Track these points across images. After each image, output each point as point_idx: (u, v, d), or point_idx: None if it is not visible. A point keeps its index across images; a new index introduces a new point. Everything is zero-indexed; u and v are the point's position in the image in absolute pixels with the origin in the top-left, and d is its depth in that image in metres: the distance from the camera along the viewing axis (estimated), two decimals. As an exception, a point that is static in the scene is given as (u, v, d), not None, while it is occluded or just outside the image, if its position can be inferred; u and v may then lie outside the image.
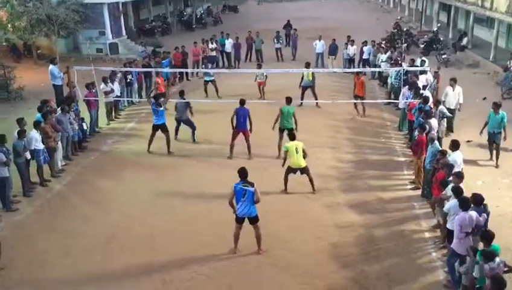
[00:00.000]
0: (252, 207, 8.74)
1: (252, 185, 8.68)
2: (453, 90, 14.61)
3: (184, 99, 14.40)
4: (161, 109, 13.60)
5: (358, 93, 16.58)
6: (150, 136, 13.82)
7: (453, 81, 14.77)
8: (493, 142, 12.75)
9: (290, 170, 11.33)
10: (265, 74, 18.01)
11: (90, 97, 15.12)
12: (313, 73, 17.41)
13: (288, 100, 13.33)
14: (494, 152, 12.79)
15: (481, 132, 12.83)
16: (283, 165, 11.45)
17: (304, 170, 11.29)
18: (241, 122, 13.06)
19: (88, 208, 10.86)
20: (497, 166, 12.48)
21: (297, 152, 11.09)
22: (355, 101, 16.44)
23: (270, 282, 8.41)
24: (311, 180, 11.40)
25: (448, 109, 13.76)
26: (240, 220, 8.89)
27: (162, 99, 13.85)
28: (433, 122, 12.04)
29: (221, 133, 14.73)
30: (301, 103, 16.58)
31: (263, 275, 8.58)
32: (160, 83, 17.31)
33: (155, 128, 13.73)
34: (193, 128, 14.56)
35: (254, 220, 8.89)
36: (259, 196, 8.71)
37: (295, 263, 8.80)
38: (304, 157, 11.21)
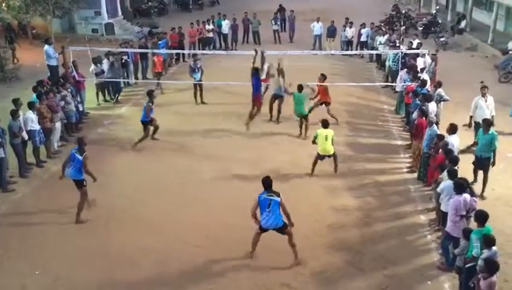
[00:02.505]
0: (278, 217, 8.08)
1: (278, 194, 8.09)
2: (486, 102, 12.25)
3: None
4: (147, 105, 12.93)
5: (321, 98, 14.63)
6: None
7: (486, 89, 12.36)
8: (479, 169, 10.58)
9: (319, 157, 11.52)
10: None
11: (79, 78, 15.05)
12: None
13: (300, 87, 13.47)
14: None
15: (469, 147, 11.61)
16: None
17: (332, 156, 11.52)
18: (256, 87, 13.19)
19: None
20: (482, 197, 10.21)
21: (326, 139, 11.30)
22: (354, 84, 16.28)
23: (265, 263, 8.47)
24: (335, 164, 11.65)
25: (477, 123, 11.89)
26: (263, 230, 8.28)
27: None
28: (431, 105, 12.02)
29: (216, 115, 14.74)
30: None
31: (258, 255, 8.63)
32: (157, 62, 17.14)
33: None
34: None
35: (282, 228, 8.23)
36: (286, 208, 8.11)
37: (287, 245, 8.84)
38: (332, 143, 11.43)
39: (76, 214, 9.67)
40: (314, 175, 11.46)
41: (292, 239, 8.37)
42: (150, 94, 13.26)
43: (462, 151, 10.93)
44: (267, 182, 8.19)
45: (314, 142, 11.54)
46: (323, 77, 14.55)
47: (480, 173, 10.60)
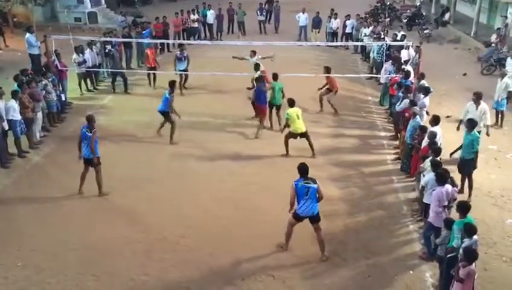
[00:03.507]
0: (315, 205, 8.06)
1: (315, 181, 8.00)
2: (476, 108, 11.45)
3: None
4: (168, 96, 12.61)
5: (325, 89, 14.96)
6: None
7: (477, 97, 11.51)
8: (463, 173, 10.19)
9: (291, 135, 11.72)
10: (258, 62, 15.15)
11: (62, 67, 14.85)
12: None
13: (275, 76, 13.33)
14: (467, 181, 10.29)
15: (451, 154, 10.76)
16: (282, 132, 11.92)
17: (305, 134, 11.72)
18: (261, 100, 13.11)
19: (67, 180, 10.72)
20: (469, 201, 9.38)
21: (298, 118, 11.55)
22: (339, 75, 16.35)
23: (249, 254, 8.49)
24: (311, 145, 11.86)
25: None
26: (299, 218, 8.20)
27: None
28: (427, 100, 12.13)
29: (205, 106, 14.66)
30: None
31: (243, 247, 8.65)
32: (150, 56, 16.80)
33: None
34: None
35: (316, 219, 8.19)
36: (322, 193, 8.09)
37: (274, 234, 8.87)
38: None
39: (98, 190, 10.13)
40: (294, 159, 11.38)
41: (321, 232, 8.30)
42: (172, 85, 12.86)
43: (451, 155, 10.69)
44: (303, 169, 8.04)
45: (287, 125, 11.65)
46: (326, 70, 14.70)
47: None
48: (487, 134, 11.47)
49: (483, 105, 11.44)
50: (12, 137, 11.69)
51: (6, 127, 11.35)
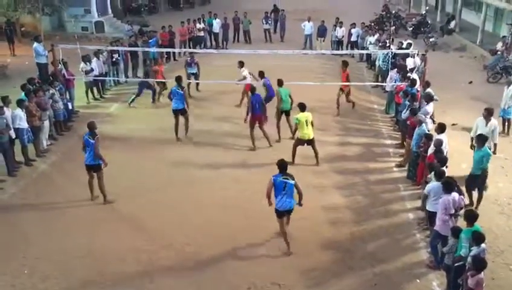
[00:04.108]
0: (292, 200, 8.38)
1: (292, 177, 8.33)
2: (486, 125, 11.01)
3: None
4: (181, 92, 13.03)
5: (344, 85, 15.44)
6: (174, 124, 13.31)
7: (488, 113, 11.04)
8: (473, 188, 9.98)
9: (299, 142, 11.67)
10: (247, 75, 15.35)
11: (68, 76, 14.98)
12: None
13: (280, 82, 13.28)
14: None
15: None
16: (293, 137, 11.71)
17: (311, 142, 11.67)
18: (257, 109, 12.70)
19: (73, 188, 10.78)
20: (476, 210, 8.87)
21: (307, 124, 11.46)
22: (342, 84, 16.41)
23: (255, 262, 8.47)
24: (316, 153, 11.85)
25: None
26: (281, 215, 8.49)
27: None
28: (429, 107, 12.11)
29: (211, 114, 14.69)
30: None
31: (249, 255, 8.65)
32: (159, 71, 16.66)
33: (176, 113, 13.19)
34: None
35: (291, 212, 8.56)
36: (300, 189, 8.40)
37: (280, 244, 8.87)
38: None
39: (103, 197, 10.17)
40: (300, 167, 11.44)
41: (288, 224, 8.70)
42: (180, 80, 13.40)
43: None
44: (282, 165, 8.36)
45: (295, 130, 11.64)
46: (345, 65, 15.16)
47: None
48: (494, 152, 10.92)
49: (493, 121, 11.07)
50: (19, 145, 11.76)
51: (13, 136, 11.43)
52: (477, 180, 9.87)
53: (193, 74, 17.16)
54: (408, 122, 11.63)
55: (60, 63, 14.96)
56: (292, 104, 13.09)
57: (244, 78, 15.24)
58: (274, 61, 18.31)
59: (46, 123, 12.72)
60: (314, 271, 8.30)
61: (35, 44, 17.05)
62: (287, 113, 13.23)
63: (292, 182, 8.30)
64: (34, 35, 19.07)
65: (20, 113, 11.55)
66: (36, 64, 17.14)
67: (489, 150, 9.82)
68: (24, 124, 11.59)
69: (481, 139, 9.72)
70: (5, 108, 11.27)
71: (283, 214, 8.50)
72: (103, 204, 10.15)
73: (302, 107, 11.69)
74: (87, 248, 8.84)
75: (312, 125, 11.71)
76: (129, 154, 12.68)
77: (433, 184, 8.48)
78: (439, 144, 9.65)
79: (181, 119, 13.35)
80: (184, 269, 8.31)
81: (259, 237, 9.06)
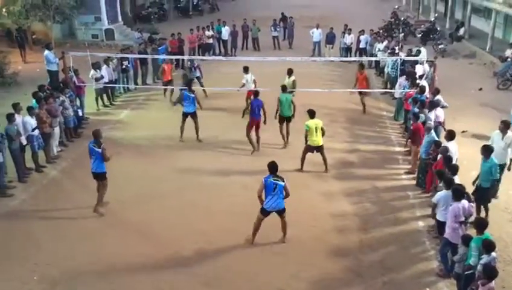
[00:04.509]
0: (281, 200, 8.70)
1: (282, 179, 8.66)
2: (502, 138, 10.28)
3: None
4: (193, 95, 13.53)
5: (360, 87, 15.87)
6: (181, 123, 13.67)
7: (504, 126, 10.34)
8: (479, 201, 9.46)
9: (308, 149, 11.69)
10: (253, 79, 15.65)
11: (79, 83, 15.15)
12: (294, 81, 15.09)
13: (284, 88, 13.32)
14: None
15: (473, 183, 9.72)
16: (306, 143, 11.74)
17: (320, 149, 11.70)
18: (256, 114, 12.91)
19: (83, 195, 10.84)
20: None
21: (316, 131, 11.48)
22: (350, 90, 16.40)
23: (263, 269, 8.47)
24: (324, 160, 11.87)
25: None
26: (266, 213, 8.81)
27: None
28: (439, 111, 12.11)
29: (220, 121, 14.73)
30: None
31: (257, 262, 8.65)
32: (167, 70, 17.18)
33: (185, 115, 13.61)
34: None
35: (282, 211, 8.85)
36: (289, 191, 8.72)
37: (289, 251, 8.87)
38: (322, 135, 11.64)
39: (95, 205, 10.08)
40: (309, 173, 11.53)
41: (285, 221, 9.00)
42: (190, 83, 14.28)
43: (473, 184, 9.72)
44: (273, 167, 8.71)
45: (306, 136, 11.62)
46: (361, 67, 16.00)
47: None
48: (508, 168, 10.44)
49: (510, 134, 10.27)
50: (30, 152, 11.87)
51: (24, 142, 11.54)
52: (486, 194, 9.53)
53: (197, 77, 17.56)
54: (412, 127, 11.59)
55: (70, 70, 15.11)
56: (294, 110, 13.12)
57: (243, 85, 15.33)
58: (282, 68, 18.31)
59: (57, 130, 12.83)
60: (322, 279, 8.26)
61: (46, 51, 17.22)
62: (288, 120, 13.25)
63: (282, 183, 8.62)
64: (45, 43, 19.28)
65: (30, 120, 11.67)
66: (47, 71, 17.31)
67: (495, 160, 9.38)
68: (35, 131, 11.69)
69: (487, 150, 9.36)
70: (16, 115, 11.41)
71: (269, 213, 8.80)
72: (93, 211, 10.07)
73: (312, 114, 11.70)
74: (96, 254, 8.89)
75: (323, 132, 11.70)
76: (138, 160, 12.75)
77: (442, 193, 8.44)
78: (445, 151, 9.61)
79: (191, 122, 13.59)
80: (192, 275, 8.31)
81: (267, 245, 9.04)
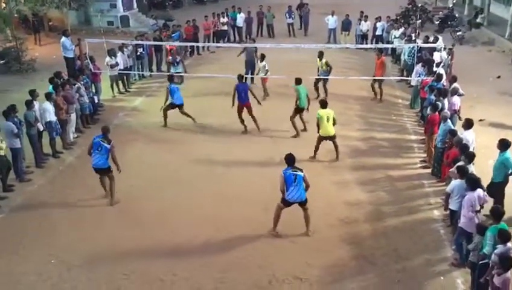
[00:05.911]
0: (303, 191, 8.66)
1: (301, 170, 8.66)
2: None
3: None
4: (178, 86, 13.79)
5: (377, 74, 15.72)
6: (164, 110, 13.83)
7: None
8: (491, 196, 8.86)
9: (321, 139, 11.68)
10: (267, 68, 15.96)
11: (95, 70, 15.25)
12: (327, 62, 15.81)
13: (298, 81, 13.18)
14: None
15: None
16: (318, 132, 11.70)
17: (332, 138, 11.67)
18: (243, 97, 13.08)
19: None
20: None
21: (328, 120, 11.42)
22: (366, 78, 16.22)
23: (278, 257, 8.51)
24: (336, 148, 11.85)
25: None
26: (288, 204, 8.76)
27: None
28: (455, 98, 11.94)
29: (233, 109, 14.73)
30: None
31: (271, 250, 8.69)
32: (169, 50, 17.53)
33: (173, 107, 13.82)
34: None
35: (304, 203, 8.80)
36: (308, 182, 8.70)
37: (303, 239, 8.89)
38: (334, 124, 11.57)
39: (110, 197, 10.12)
40: (322, 163, 11.55)
41: (308, 212, 8.90)
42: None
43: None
44: (290, 159, 8.73)
45: (318, 125, 11.59)
46: (380, 51, 16.09)
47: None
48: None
49: None
50: (47, 137, 12.02)
51: (41, 128, 11.69)
52: (500, 188, 9.07)
53: (178, 72, 16.89)
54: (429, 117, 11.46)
55: (86, 57, 15.20)
56: (308, 103, 13.09)
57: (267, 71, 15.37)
58: (297, 55, 18.22)
59: (73, 116, 12.96)
60: (336, 266, 8.28)
61: (63, 38, 17.32)
62: (302, 110, 13.23)
63: (301, 174, 8.60)
64: (61, 30, 19.41)
65: (49, 106, 11.80)
66: (64, 58, 17.44)
67: (508, 154, 8.97)
68: (52, 117, 11.83)
69: (503, 144, 9.03)
70: (34, 101, 11.54)
71: (292, 204, 8.73)
72: (110, 205, 10.09)
73: (324, 104, 11.64)
74: (112, 239, 9.01)
75: (334, 122, 11.60)
76: (153, 147, 12.83)
77: (456, 182, 8.36)
78: (459, 141, 9.48)
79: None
80: (207, 262, 8.38)
81: (282, 232, 9.06)
